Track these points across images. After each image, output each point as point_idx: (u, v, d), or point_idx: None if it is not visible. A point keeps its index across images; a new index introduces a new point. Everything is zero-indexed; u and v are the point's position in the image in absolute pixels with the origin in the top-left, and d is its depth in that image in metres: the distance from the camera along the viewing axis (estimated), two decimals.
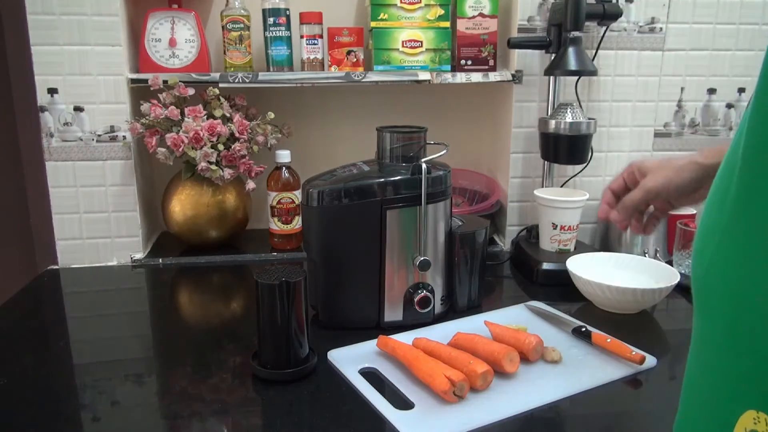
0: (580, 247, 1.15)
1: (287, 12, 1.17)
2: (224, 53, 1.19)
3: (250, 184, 1.18)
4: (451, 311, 0.95)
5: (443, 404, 0.68)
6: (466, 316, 0.93)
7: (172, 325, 0.96)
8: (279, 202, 1.20)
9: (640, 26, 1.19)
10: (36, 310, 1.02)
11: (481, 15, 1.18)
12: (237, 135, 1.12)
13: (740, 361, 0.38)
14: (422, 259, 0.87)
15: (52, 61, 1.09)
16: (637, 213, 0.74)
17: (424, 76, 1.16)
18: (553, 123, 1.09)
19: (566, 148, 1.10)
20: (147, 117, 1.11)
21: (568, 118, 1.08)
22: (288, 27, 1.17)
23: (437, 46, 1.18)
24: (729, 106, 1.26)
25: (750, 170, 0.36)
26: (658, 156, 1.26)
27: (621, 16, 1.10)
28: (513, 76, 1.19)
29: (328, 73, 1.17)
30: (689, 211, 1.24)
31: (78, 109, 1.12)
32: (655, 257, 1.14)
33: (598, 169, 1.25)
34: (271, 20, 1.16)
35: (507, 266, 1.19)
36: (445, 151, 0.87)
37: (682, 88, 1.24)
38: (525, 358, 0.77)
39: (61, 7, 1.07)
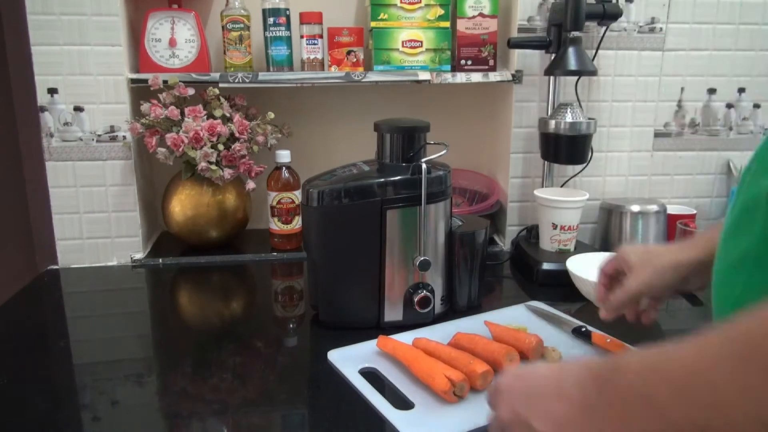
0: (580, 247, 1.15)
1: (287, 12, 1.17)
2: (224, 53, 1.19)
3: (250, 184, 1.18)
4: (451, 311, 0.95)
5: (443, 404, 0.68)
6: (466, 316, 0.93)
7: (172, 325, 0.96)
8: (279, 202, 1.20)
9: (640, 26, 1.19)
10: (36, 310, 1.02)
11: (481, 15, 1.18)
12: (237, 135, 1.12)
13: None
14: (422, 259, 0.87)
15: (52, 61, 1.09)
16: (631, 304, 0.76)
17: (424, 76, 1.16)
18: (553, 123, 1.09)
19: (566, 148, 1.10)
20: (147, 117, 1.11)
21: (568, 118, 1.08)
22: (288, 27, 1.17)
23: (437, 46, 1.18)
24: (729, 106, 1.26)
25: None
26: (658, 156, 1.26)
27: (621, 16, 1.10)
28: (513, 76, 1.19)
29: (328, 73, 1.17)
30: (690, 211, 1.25)
31: (78, 109, 1.12)
32: None
33: (598, 169, 1.25)
34: (271, 20, 1.16)
35: (507, 266, 1.18)
36: (445, 151, 0.87)
37: (682, 88, 1.24)
38: (525, 358, 0.77)
39: (61, 7, 1.07)
